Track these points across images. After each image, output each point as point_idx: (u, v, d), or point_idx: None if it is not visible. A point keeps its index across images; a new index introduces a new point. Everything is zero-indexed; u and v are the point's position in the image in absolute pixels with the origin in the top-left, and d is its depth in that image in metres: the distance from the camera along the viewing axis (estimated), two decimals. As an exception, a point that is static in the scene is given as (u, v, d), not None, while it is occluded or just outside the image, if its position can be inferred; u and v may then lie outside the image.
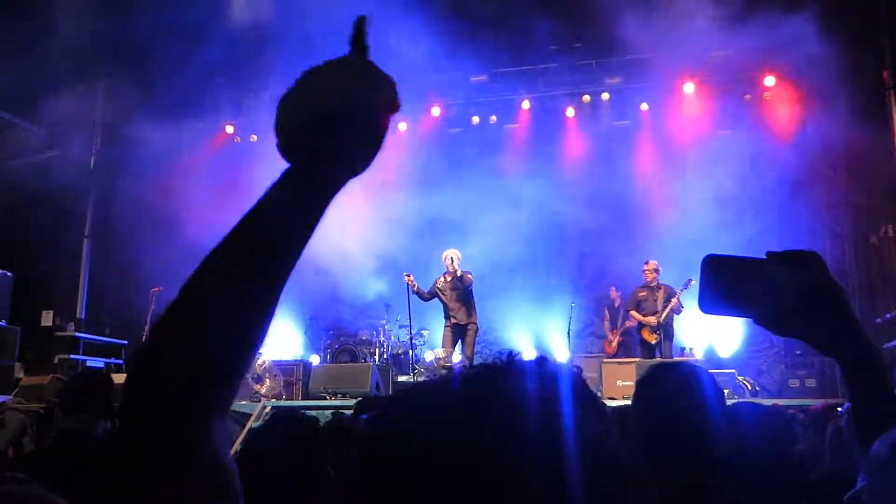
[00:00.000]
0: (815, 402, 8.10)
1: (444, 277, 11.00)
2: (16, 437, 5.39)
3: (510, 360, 0.77)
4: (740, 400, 8.05)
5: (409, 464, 0.65)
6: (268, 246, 0.83)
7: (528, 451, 0.64)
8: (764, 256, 1.15)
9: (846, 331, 1.15)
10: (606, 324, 12.37)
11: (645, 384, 1.94)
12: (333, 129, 0.86)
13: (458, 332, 10.93)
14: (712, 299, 1.15)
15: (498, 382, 0.70)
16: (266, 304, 0.83)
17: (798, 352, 11.23)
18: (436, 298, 11.18)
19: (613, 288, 12.35)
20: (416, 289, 11.05)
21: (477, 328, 11.06)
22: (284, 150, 0.87)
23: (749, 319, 1.15)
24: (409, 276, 11.07)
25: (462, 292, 10.87)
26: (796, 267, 1.13)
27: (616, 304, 12.24)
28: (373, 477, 0.67)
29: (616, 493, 0.66)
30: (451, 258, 10.83)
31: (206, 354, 0.79)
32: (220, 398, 0.81)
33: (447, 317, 11.07)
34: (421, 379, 10.40)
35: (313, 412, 7.63)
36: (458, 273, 10.83)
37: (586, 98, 13.72)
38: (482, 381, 0.71)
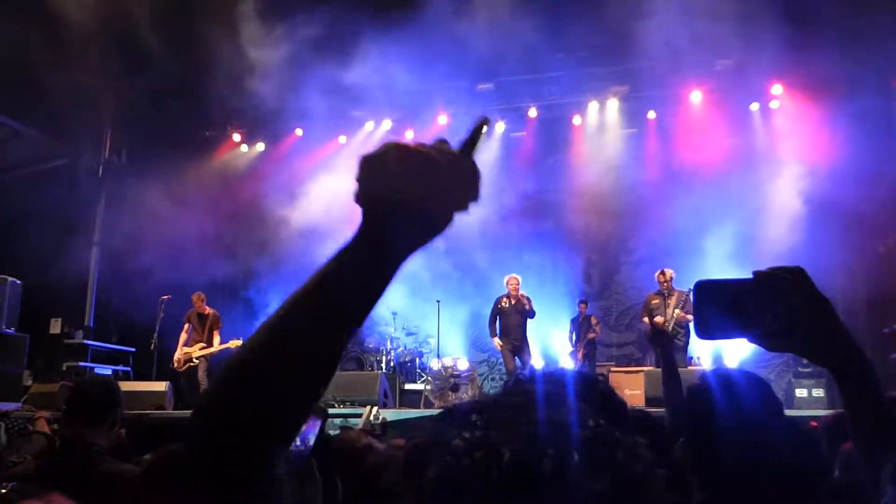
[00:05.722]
0: (823, 413, 8.09)
1: (508, 300, 11.16)
2: (38, 457, 5.32)
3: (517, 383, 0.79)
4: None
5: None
6: (341, 306, 0.89)
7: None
8: (751, 276, 1.19)
9: (836, 342, 1.20)
10: (571, 336, 12.26)
11: (696, 392, 1.92)
12: (420, 210, 0.89)
13: (515, 351, 11.09)
14: (708, 325, 1.20)
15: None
16: (333, 361, 0.90)
17: (805, 362, 11.06)
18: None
19: (582, 304, 12.33)
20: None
21: (529, 343, 11.28)
22: (365, 208, 0.90)
23: (745, 339, 1.19)
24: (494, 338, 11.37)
25: (523, 317, 11.13)
26: (783, 284, 1.17)
27: (581, 319, 12.19)
28: None
29: None
30: (514, 283, 11.15)
31: (276, 401, 0.86)
32: (283, 438, 0.89)
33: (505, 336, 11.17)
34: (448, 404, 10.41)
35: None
36: (522, 299, 11.07)
37: (593, 106, 13.73)
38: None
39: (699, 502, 1.76)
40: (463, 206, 0.91)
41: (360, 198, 0.89)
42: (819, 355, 1.22)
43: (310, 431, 1.64)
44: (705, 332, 1.20)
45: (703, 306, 1.19)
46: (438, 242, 0.95)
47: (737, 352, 11.67)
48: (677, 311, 10.52)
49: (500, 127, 14.28)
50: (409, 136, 13.65)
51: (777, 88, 12.66)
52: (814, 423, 4.49)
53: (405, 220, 0.88)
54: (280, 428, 0.87)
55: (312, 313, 0.88)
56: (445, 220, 0.91)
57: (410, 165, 0.88)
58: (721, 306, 1.18)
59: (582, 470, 0.63)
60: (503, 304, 11.15)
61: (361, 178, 0.89)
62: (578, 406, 0.71)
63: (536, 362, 11.49)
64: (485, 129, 0.95)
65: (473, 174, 0.91)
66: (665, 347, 3.77)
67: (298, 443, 1.61)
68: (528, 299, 11.08)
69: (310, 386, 0.89)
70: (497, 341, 11.12)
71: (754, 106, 13.08)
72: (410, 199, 0.87)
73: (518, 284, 11.04)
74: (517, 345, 11.03)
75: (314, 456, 2.07)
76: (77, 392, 3.44)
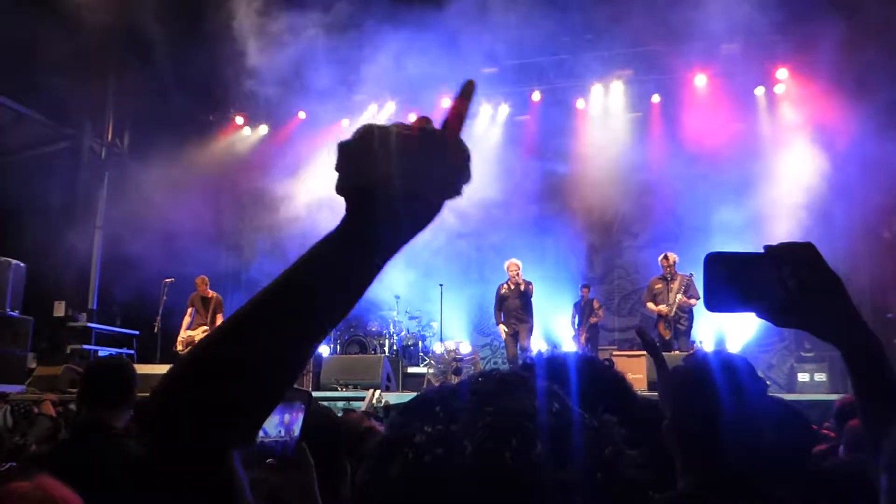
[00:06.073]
0: (825, 398, 8.10)
1: (508, 285, 11.05)
2: (42, 440, 5.30)
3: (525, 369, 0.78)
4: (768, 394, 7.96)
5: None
6: (319, 297, 0.84)
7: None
8: (762, 251, 1.17)
9: (845, 319, 1.19)
10: (574, 320, 12.19)
11: (681, 374, 1.90)
12: (408, 197, 0.83)
13: (516, 336, 11.02)
14: (717, 297, 1.18)
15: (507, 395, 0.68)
16: (308, 349, 0.85)
17: (808, 346, 11.18)
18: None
19: (585, 288, 12.29)
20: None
21: (531, 327, 11.11)
22: (349, 198, 0.85)
23: (752, 313, 1.18)
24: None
25: (523, 300, 10.99)
26: (793, 259, 1.16)
27: (583, 303, 12.14)
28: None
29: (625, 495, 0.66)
30: (514, 269, 10.97)
31: (244, 386, 0.81)
32: (248, 427, 0.84)
33: (507, 322, 11.07)
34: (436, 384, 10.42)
35: (325, 403, 7.66)
36: (521, 284, 10.92)
37: (597, 90, 13.65)
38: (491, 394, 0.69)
39: (684, 484, 1.75)
40: (453, 190, 0.84)
41: (342, 187, 0.84)
42: (828, 332, 1.19)
43: (294, 422, 1.61)
44: (713, 305, 1.18)
45: (713, 278, 1.18)
46: (445, 226, 0.92)
47: (740, 334, 11.77)
48: (679, 296, 10.51)
49: (503, 111, 14.23)
50: (412, 119, 13.52)
51: (782, 72, 12.59)
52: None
53: (392, 210, 0.82)
54: (239, 421, 0.82)
55: (285, 308, 0.83)
56: (435, 207, 0.85)
57: (393, 149, 0.82)
58: (730, 279, 1.17)
59: (547, 459, 0.62)
60: (503, 290, 11.12)
61: (341, 167, 0.84)
62: (546, 390, 0.69)
63: (538, 346, 11.46)
64: (470, 96, 0.88)
65: (462, 154, 0.84)
66: (656, 356, 3.83)
67: (283, 434, 1.59)
68: (527, 283, 11.02)
69: (271, 388, 0.84)
70: (503, 328, 11.08)
71: (759, 90, 12.99)
72: (396, 185, 0.82)
73: (518, 270, 10.96)
74: (518, 328, 10.97)
75: (318, 440, 2.09)
76: (96, 373, 3.38)
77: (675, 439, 1.79)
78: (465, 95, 0.88)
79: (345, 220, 0.84)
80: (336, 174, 0.85)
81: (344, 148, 0.84)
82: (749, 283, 1.16)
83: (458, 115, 0.86)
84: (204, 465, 0.79)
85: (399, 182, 0.82)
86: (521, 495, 0.61)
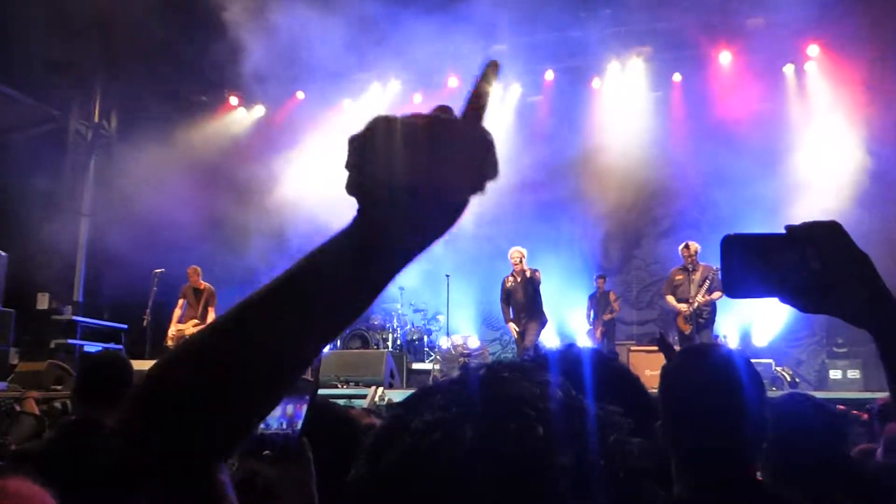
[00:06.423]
0: (856, 396, 8.03)
1: (513, 276, 10.46)
2: (24, 439, 5.38)
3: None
4: (791, 391, 7.68)
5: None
6: (322, 301, 0.81)
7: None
8: (783, 231, 1.11)
9: (876, 300, 1.10)
10: (589, 313, 11.88)
11: (673, 370, 1.88)
12: (426, 198, 0.77)
13: (523, 335, 10.41)
14: (737, 282, 1.14)
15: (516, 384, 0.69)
16: (311, 354, 0.84)
17: (840, 341, 10.94)
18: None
19: (600, 279, 11.99)
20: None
21: (543, 322, 10.49)
22: (359, 199, 0.80)
23: (775, 299, 1.12)
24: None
25: (532, 292, 10.35)
26: (818, 238, 1.10)
27: (599, 295, 11.84)
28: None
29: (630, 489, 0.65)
30: (517, 256, 10.39)
31: (235, 389, 0.79)
32: (233, 434, 0.83)
33: (516, 319, 10.48)
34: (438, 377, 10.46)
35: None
36: (527, 271, 10.34)
37: (614, 68, 13.35)
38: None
39: (682, 488, 1.72)
40: (477, 187, 0.77)
41: (352, 188, 0.79)
42: (857, 315, 1.11)
43: (297, 415, 1.55)
44: (733, 291, 1.13)
45: (731, 263, 1.13)
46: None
47: (766, 328, 11.68)
48: (700, 297, 10.02)
49: (515, 91, 13.96)
50: (417, 101, 13.37)
51: (813, 49, 12.28)
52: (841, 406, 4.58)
53: (407, 213, 0.77)
54: (226, 426, 0.80)
55: (285, 311, 0.80)
56: (458, 207, 0.78)
57: (407, 144, 0.76)
58: (750, 263, 1.11)
59: (548, 444, 0.63)
60: (508, 283, 10.57)
61: (351, 165, 0.79)
62: (549, 378, 0.70)
63: (550, 341, 11.11)
64: (493, 78, 0.79)
65: (486, 145, 0.77)
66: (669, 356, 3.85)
67: (285, 426, 1.54)
68: (533, 270, 10.41)
69: (262, 393, 0.82)
70: (513, 327, 10.53)
71: (788, 68, 12.67)
72: (411, 185, 0.76)
73: (522, 258, 10.40)
74: (526, 326, 10.39)
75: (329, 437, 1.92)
76: (92, 369, 3.46)
77: (672, 441, 1.76)
78: (488, 78, 0.81)
79: (353, 221, 0.81)
80: (346, 171, 0.82)
81: (352, 143, 0.80)
82: (771, 266, 1.11)
83: (479, 100, 0.79)
84: (188, 468, 0.79)
85: (404, 179, 0.76)
86: (522, 479, 0.62)
